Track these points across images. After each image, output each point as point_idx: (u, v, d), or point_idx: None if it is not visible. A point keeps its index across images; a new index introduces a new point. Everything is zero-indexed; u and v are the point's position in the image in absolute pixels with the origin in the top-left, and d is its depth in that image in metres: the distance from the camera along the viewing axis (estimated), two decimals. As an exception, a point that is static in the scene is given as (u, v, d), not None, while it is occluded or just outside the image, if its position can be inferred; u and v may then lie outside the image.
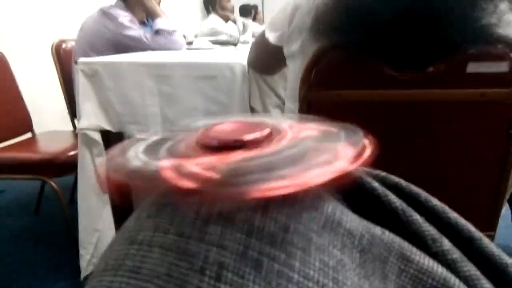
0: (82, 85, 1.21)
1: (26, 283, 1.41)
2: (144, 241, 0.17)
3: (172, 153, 0.20)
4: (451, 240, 0.20)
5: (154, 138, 0.23)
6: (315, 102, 0.74)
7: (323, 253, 0.16)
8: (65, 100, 1.77)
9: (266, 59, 0.99)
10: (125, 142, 0.22)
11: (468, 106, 0.71)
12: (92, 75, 1.21)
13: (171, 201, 0.18)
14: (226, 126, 0.21)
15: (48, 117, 2.10)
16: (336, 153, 0.18)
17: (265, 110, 1.12)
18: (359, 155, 0.19)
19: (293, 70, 0.83)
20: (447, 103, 0.71)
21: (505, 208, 1.15)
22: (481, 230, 0.79)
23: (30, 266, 1.50)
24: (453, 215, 0.21)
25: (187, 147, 0.20)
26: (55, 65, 1.74)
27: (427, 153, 0.76)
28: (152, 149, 0.21)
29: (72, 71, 1.65)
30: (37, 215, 1.88)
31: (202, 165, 0.18)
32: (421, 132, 0.75)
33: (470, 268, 0.18)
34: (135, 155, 0.20)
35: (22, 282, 1.41)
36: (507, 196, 0.83)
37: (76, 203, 1.28)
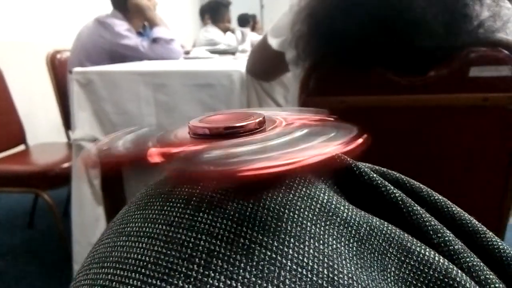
0: (76, 94, 1.18)
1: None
2: (132, 232, 0.17)
3: (161, 142, 0.20)
4: (454, 233, 0.19)
5: (145, 129, 0.23)
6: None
7: (318, 242, 0.16)
8: (60, 112, 1.74)
9: (267, 65, 0.98)
10: (116, 133, 0.22)
11: (471, 111, 0.70)
12: (87, 85, 1.18)
13: (161, 193, 0.18)
14: (218, 116, 0.21)
15: (42, 128, 2.07)
16: (328, 138, 0.18)
17: (264, 118, 1.09)
18: (351, 141, 0.18)
19: (296, 76, 0.81)
20: (449, 108, 0.70)
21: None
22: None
23: (23, 281, 1.46)
24: (456, 209, 0.21)
25: (177, 136, 0.20)
26: (50, 75, 1.72)
27: (430, 159, 0.75)
28: (142, 138, 0.21)
29: (67, 81, 1.62)
30: (30, 229, 1.84)
31: (190, 150, 0.18)
32: (424, 138, 0.74)
33: (473, 259, 0.18)
34: (123, 142, 0.20)
35: (14, 299, 1.37)
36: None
37: (70, 215, 1.24)
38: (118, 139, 0.21)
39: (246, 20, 4.24)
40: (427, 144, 0.74)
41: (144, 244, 0.16)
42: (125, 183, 1.42)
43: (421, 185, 0.22)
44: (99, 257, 0.17)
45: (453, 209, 0.21)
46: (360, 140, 0.18)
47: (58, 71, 1.74)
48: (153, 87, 1.16)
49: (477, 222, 0.20)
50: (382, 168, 0.22)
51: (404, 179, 0.22)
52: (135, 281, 0.15)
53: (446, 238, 0.18)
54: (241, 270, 0.14)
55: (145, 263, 0.15)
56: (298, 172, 0.17)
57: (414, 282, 0.17)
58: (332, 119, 0.22)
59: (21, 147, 1.64)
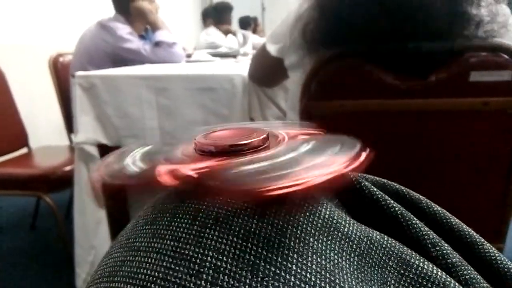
0: (79, 98, 1.19)
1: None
2: (141, 247, 0.17)
3: (169, 160, 0.20)
4: (453, 245, 0.20)
5: (152, 146, 0.23)
6: (316, 113, 0.72)
7: (320, 257, 0.16)
8: (62, 114, 1.75)
9: (267, 71, 0.98)
10: (122, 149, 0.23)
11: (471, 115, 0.70)
12: (89, 89, 1.19)
13: (168, 208, 0.19)
14: (223, 132, 0.22)
15: (44, 131, 2.08)
16: (332, 155, 0.19)
17: (265, 121, 1.10)
18: (355, 158, 0.19)
19: (294, 81, 0.82)
20: (449, 112, 0.71)
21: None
22: (490, 241, 0.77)
23: (25, 284, 1.46)
24: (455, 220, 0.21)
25: (184, 153, 0.21)
26: (52, 79, 1.73)
27: (430, 163, 0.75)
28: (150, 156, 0.21)
29: (70, 85, 1.63)
30: (32, 232, 1.84)
31: (198, 169, 0.18)
32: (424, 142, 0.74)
33: (470, 271, 0.19)
34: (132, 161, 0.21)
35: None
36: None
37: (72, 218, 1.24)
38: (125, 156, 0.21)
39: (247, 23, 4.25)
40: (427, 148, 0.74)
41: (153, 260, 0.16)
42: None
43: (420, 196, 0.22)
44: (109, 271, 0.18)
45: (452, 220, 0.21)
46: (365, 155, 0.19)
47: (61, 74, 1.74)
48: (155, 91, 1.17)
49: (475, 234, 0.21)
50: (383, 180, 0.23)
51: (404, 190, 0.22)
52: None
53: (444, 251, 0.19)
54: (246, 286, 0.15)
55: (154, 279, 0.16)
56: (311, 189, 0.18)
57: None
58: (331, 135, 0.23)
59: (23, 150, 1.65)
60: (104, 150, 1.23)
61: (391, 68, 0.67)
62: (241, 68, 1.16)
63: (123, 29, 1.63)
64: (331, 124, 0.82)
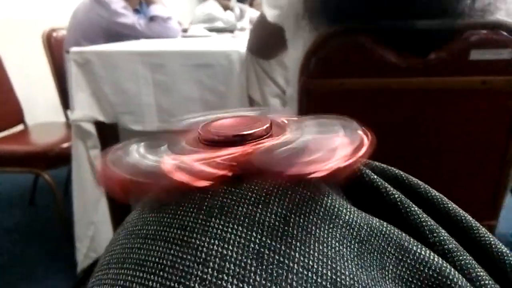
0: (74, 75, 1.17)
1: (22, 276, 1.39)
2: (149, 235, 0.18)
3: (173, 149, 0.20)
4: (449, 229, 0.21)
5: (153, 138, 0.23)
6: (315, 91, 0.72)
7: (322, 245, 0.17)
8: (57, 91, 1.73)
9: (266, 41, 0.96)
10: (125, 142, 0.23)
11: (470, 94, 0.70)
12: (85, 65, 1.17)
13: (174, 197, 0.19)
14: (225, 121, 0.22)
15: (40, 108, 2.06)
16: (336, 145, 0.19)
17: (264, 100, 1.09)
18: (359, 146, 0.19)
19: (293, 57, 0.80)
20: (448, 91, 0.71)
21: (508, 197, 1.14)
22: (483, 219, 0.78)
23: (25, 259, 1.48)
24: (452, 205, 0.22)
25: (188, 143, 0.21)
26: (46, 54, 1.70)
27: (429, 141, 0.76)
28: (154, 147, 0.22)
29: (64, 60, 1.61)
30: (31, 208, 1.85)
31: (203, 160, 0.18)
32: (423, 121, 0.74)
33: (465, 257, 0.19)
34: (136, 152, 0.21)
35: (18, 275, 1.40)
36: (509, 185, 0.83)
37: (71, 195, 1.25)
38: (129, 153, 0.21)
39: (244, -4, 4.15)
40: (426, 126, 0.74)
41: (161, 248, 0.17)
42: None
43: (419, 181, 0.22)
44: (117, 258, 0.18)
45: (449, 205, 0.21)
46: (367, 145, 0.19)
47: (55, 50, 1.72)
48: (152, 67, 1.15)
49: (471, 218, 0.21)
50: (382, 165, 0.23)
51: (403, 175, 0.23)
52: (154, 283, 0.16)
53: (441, 238, 0.19)
54: (252, 274, 0.15)
55: (163, 266, 0.16)
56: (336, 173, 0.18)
57: (410, 279, 0.18)
58: (333, 122, 0.23)
59: (19, 127, 1.64)
60: (101, 126, 1.22)
61: (392, 45, 0.67)
62: (238, 43, 1.15)
63: (117, 3, 1.59)
64: (331, 103, 0.82)
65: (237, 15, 2.09)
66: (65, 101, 1.68)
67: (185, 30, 1.93)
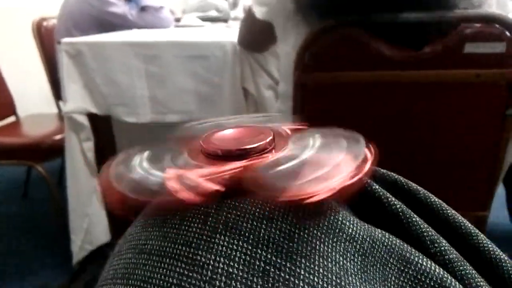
0: (66, 66, 1.16)
1: (17, 268, 1.39)
2: (153, 250, 0.18)
3: (178, 165, 0.20)
4: (448, 235, 0.21)
5: (154, 148, 0.23)
6: (309, 85, 0.72)
7: (326, 260, 0.17)
8: (49, 81, 1.71)
9: (256, 36, 0.96)
10: (127, 152, 0.23)
11: (464, 87, 0.71)
12: (76, 56, 1.16)
13: (177, 210, 0.19)
14: (227, 132, 0.22)
15: (32, 99, 2.03)
16: (339, 161, 0.19)
17: (258, 91, 1.09)
18: (362, 163, 0.19)
19: (285, 50, 0.80)
20: (442, 84, 0.71)
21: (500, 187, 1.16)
22: (476, 210, 0.79)
23: (20, 251, 1.48)
24: (451, 211, 0.22)
25: (190, 156, 0.21)
26: (37, 44, 1.67)
27: (422, 134, 0.77)
28: (157, 161, 0.21)
29: (55, 51, 1.58)
30: (25, 201, 1.84)
31: (208, 176, 0.18)
32: (416, 114, 0.74)
33: (466, 267, 0.20)
34: (139, 167, 0.21)
35: (14, 267, 1.40)
36: (501, 176, 0.84)
37: (64, 187, 1.25)
38: (132, 168, 0.21)
39: (237, -17, 4.10)
40: (419, 119, 0.75)
41: (166, 265, 0.17)
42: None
43: (418, 187, 0.23)
44: (122, 273, 0.18)
45: (448, 211, 0.22)
46: (371, 161, 0.19)
47: (45, 39, 1.69)
48: (145, 59, 1.14)
49: (469, 224, 0.21)
50: (381, 170, 0.23)
51: (403, 181, 0.23)
52: None
53: (442, 248, 0.20)
54: None
55: (169, 284, 0.16)
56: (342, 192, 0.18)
57: None
58: (335, 135, 0.23)
59: (11, 119, 1.62)
60: (94, 119, 1.21)
61: (386, 39, 0.67)
62: (232, 34, 1.14)
63: (108, -8, 1.56)
64: (325, 97, 0.82)
65: (231, 3, 2.07)
66: (57, 92, 1.66)
67: (177, 20, 1.90)
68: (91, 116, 1.20)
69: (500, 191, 1.31)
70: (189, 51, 1.11)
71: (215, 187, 0.18)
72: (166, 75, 1.14)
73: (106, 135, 1.29)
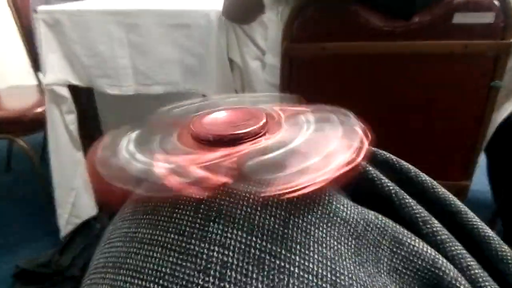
0: (44, 36, 1.11)
1: (5, 242, 1.39)
2: (144, 239, 0.17)
3: (166, 150, 0.19)
4: (438, 213, 0.21)
5: (143, 128, 0.22)
6: (298, 56, 0.71)
7: (321, 245, 0.17)
8: (27, 52, 1.65)
9: (242, 6, 0.93)
10: (113, 135, 0.22)
11: (452, 58, 0.70)
12: (55, 25, 1.11)
13: (168, 198, 0.18)
14: (219, 116, 0.21)
15: (10, 71, 1.97)
16: (340, 139, 0.19)
17: (244, 62, 1.06)
18: (360, 146, 0.19)
19: (273, 20, 0.78)
20: (430, 55, 0.71)
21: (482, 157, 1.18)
22: (458, 179, 0.80)
23: (7, 226, 1.47)
24: (441, 189, 0.22)
25: (180, 141, 0.20)
26: (12, 13, 1.60)
27: (410, 104, 0.77)
28: (144, 144, 0.20)
29: (32, 19, 1.52)
30: (8, 174, 1.81)
31: (204, 166, 0.18)
32: (404, 85, 0.74)
33: (457, 247, 0.20)
34: (125, 152, 0.20)
35: (1, 242, 1.39)
36: (483, 146, 0.85)
37: (48, 161, 1.23)
38: (118, 145, 0.20)
39: None
40: (407, 90, 0.75)
41: (158, 254, 0.16)
42: (103, 129, 1.40)
43: (409, 166, 0.22)
44: (113, 262, 0.18)
45: (439, 189, 0.22)
46: (367, 144, 0.19)
47: (20, 6, 1.61)
48: (126, 28, 1.10)
49: (460, 203, 0.22)
50: (373, 148, 0.23)
51: (394, 159, 0.23)
52: None
53: (434, 229, 0.20)
54: (253, 280, 0.15)
55: (162, 274, 0.16)
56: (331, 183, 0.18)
57: (404, 271, 0.18)
58: (329, 116, 0.22)
59: (-11, 91, 1.57)
60: (75, 91, 1.18)
61: (375, 8, 0.65)
62: (216, 2, 1.10)
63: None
64: (313, 68, 0.81)
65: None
66: (36, 63, 1.60)
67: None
68: (73, 88, 1.17)
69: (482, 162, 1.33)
70: (171, 19, 1.08)
71: (223, 179, 0.17)
72: (149, 44, 1.11)
73: (89, 107, 1.26)
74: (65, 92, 1.16)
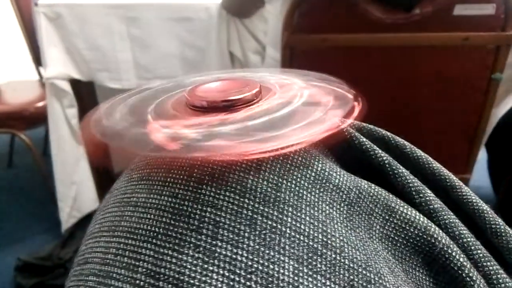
0: (45, 29, 1.11)
1: (7, 235, 1.39)
2: (139, 203, 0.18)
3: (159, 114, 0.20)
4: (433, 188, 0.21)
5: (139, 95, 0.23)
6: (298, 48, 0.71)
7: (313, 209, 0.17)
8: (28, 46, 1.65)
9: (242, 0, 0.93)
10: (108, 102, 0.22)
11: (452, 50, 0.70)
12: (56, 19, 1.11)
13: (162, 163, 0.19)
14: (213, 85, 0.21)
15: (11, 65, 1.97)
16: (328, 109, 0.19)
17: (245, 56, 1.06)
18: (349, 112, 0.19)
19: (273, 13, 0.78)
20: (431, 47, 0.71)
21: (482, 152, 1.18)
22: (458, 173, 0.81)
23: (9, 220, 1.48)
24: (436, 165, 0.22)
25: (174, 107, 0.20)
26: (13, 6, 1.60)
27: (409, 97, 0.76)
28: (139, 109, 0.21)
29: (33, 13, 1.51)
30: (10, 169, 1.82)
31: (192, 127, 0.18)
32: (405, 77, 0.74)
33: (450, 216, 0.20)
34: (121, 116, 0.20)
35: (2, 235, 1.40)
36: (484, 140, 0.85)
37: (50, 155, 1.23)
38: (114, 110, 0.21)
39: None
40: (408, 82, 0.75)
41: (152, 216, 0.17)
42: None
43: (405, 142, 0.23)
44: (108, 226, 0.18)
45: (433, 165, 0.22)
46: (357, 110, 0.19)
47: (22, 1, 1.61)
48: (127, 21, 1.10)
49: (454, 178, 0.22)
50: (369, 126, 0.23)
51: (390, 136, 0.23)
52: (147, 251, 0.16)
53: (427, 198, 0.20)
54: (245, 239, 0.16)
55: (155, 234, 0.16)
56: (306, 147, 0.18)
57: (396, 238, 0.19)
58: (322, 84, 0.23)
59: (-10, 85, 1.57)
60: (76, 84, 1.18)
61: (377, 0, 0.65)
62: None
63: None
64: (315, 60, 0.81)
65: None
66: (37, 57, 1.60)
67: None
68: (74, 82, 1.17)
69: (482, 157, 1.33)
70: (172, 13, 1.08)
71: (174, 146, 0.17)
72: (150, 38, 1.11)
73: (90, 101, 1.26)
74: (66, 86, 1.16)
